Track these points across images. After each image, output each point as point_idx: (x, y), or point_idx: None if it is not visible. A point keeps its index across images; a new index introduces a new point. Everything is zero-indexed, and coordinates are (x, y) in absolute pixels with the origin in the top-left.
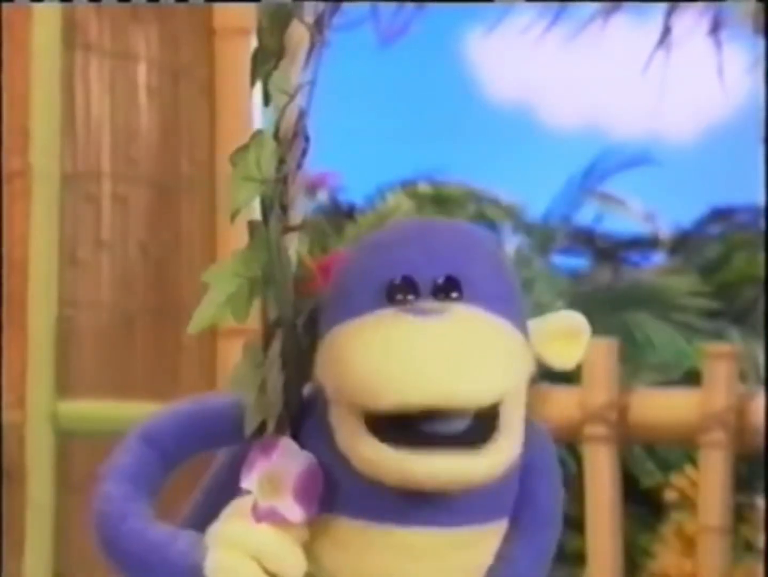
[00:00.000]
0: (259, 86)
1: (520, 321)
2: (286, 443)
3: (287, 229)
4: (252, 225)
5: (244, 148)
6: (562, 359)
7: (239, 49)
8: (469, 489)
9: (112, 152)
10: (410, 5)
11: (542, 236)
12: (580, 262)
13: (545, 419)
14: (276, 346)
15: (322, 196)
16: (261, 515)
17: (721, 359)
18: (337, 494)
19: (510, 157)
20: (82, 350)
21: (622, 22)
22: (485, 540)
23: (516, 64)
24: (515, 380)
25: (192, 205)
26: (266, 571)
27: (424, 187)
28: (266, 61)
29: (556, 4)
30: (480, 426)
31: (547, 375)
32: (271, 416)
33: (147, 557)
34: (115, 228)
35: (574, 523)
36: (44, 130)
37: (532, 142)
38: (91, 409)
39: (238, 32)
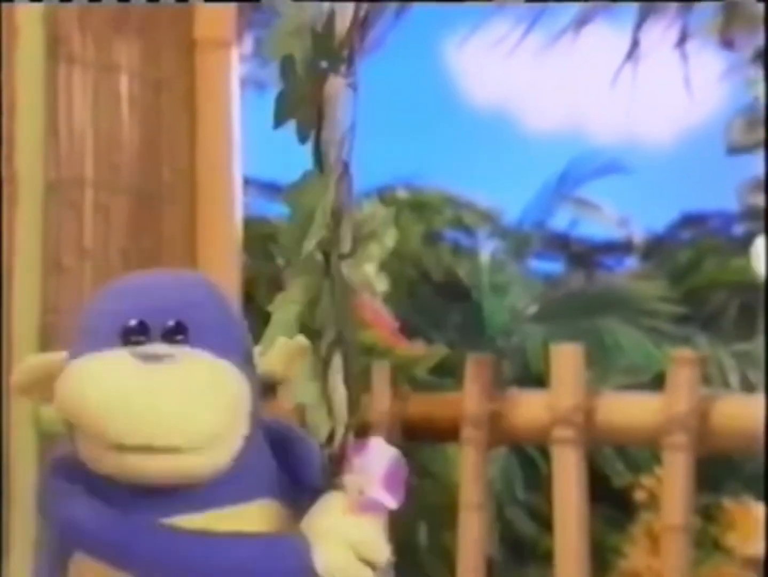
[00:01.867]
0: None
1: (243, 358)
2: (377, 441)
3: (342, 256)
4: (305, 258)
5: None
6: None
7: (219, 61)
8: (209, 479)
9: (95, 161)
10: (390, 11)
11: (517, 241)
12: (554, 266)
13: (516, 422)
14: (337, 362)
15: None
16: (363, 507)
17: (684, 364)
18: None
19: (488, 162)
20: None
21: (598, 28)
22: (250, 517)
23: (494, 70)
24: (226, 420)
25: (173, 213)
26: (363, 559)
27: (401, 193)
28: (300, 106)
29: (534, 10)
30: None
31: (516, 380)
32: (338, 426)
33: (249, 565)
34: (97, 236)
35: (547, 523)
36: (29, 139)
37: (511, 148)
38: None
39: (218, 44)
